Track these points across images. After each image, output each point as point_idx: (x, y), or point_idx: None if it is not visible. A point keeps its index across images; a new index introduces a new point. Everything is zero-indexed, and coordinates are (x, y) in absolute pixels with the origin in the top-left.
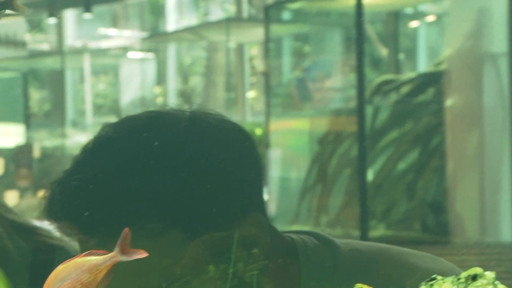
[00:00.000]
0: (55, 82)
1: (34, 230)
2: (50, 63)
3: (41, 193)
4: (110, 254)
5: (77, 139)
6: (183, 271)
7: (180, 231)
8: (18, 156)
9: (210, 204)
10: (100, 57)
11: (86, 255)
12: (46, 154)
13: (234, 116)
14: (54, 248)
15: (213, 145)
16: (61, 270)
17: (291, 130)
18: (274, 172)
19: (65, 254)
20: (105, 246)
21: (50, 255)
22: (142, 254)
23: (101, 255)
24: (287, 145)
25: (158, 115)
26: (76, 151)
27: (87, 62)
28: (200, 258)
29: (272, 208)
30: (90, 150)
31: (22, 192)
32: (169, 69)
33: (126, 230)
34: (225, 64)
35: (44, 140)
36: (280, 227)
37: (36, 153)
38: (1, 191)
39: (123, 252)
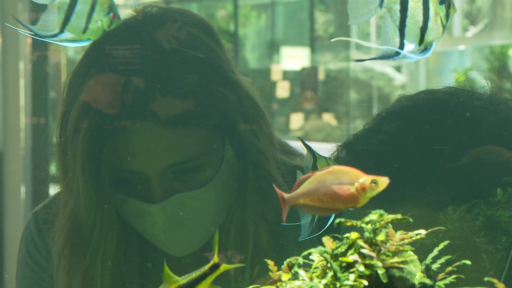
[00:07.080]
0: (340, 4)
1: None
2: None
3: (325, 116)
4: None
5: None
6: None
7: (460, 204)
8: (304, 79)
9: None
10: None
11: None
12: (331, 77)
13: None
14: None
15: (507, 126)
16: (321, 176)
17: None
18: None
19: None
20: (386, 208)
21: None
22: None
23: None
24: None
25: (456, 91)
26: (360, 74)
27: None
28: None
29: None
30: (383, 118)
31: (307, 114)
32: None
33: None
34: None
35: (328, 63)
36: None
37: (321, 76)
38: (287, 113)
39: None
